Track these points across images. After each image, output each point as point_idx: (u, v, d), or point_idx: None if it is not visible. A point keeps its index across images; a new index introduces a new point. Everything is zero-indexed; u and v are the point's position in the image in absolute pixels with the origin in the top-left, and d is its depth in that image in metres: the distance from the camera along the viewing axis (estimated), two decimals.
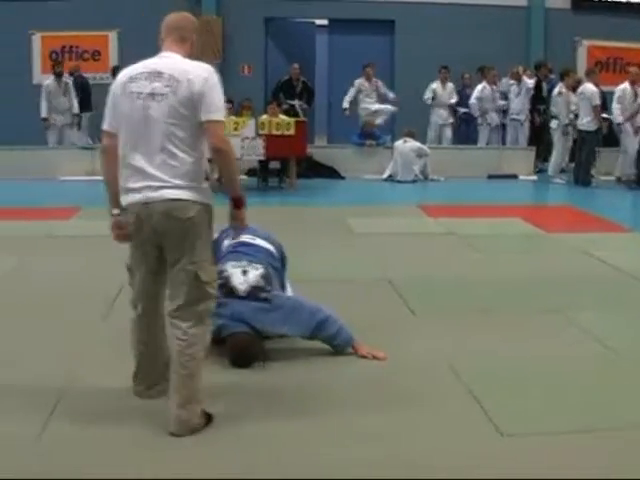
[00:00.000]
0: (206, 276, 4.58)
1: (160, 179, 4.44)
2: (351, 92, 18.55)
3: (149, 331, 4.85)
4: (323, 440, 4.48)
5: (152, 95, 4.46)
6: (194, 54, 4.73)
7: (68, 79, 18.11)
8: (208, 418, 4.64)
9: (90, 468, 4.10)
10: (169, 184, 4.45)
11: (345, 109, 18.52)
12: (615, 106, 16.41)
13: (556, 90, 16.83)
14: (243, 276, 5.80)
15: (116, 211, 4.70)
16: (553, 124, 16.94)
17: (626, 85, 16.48)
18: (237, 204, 4.69)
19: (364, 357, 5.82)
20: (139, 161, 4.47)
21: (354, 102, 18.59)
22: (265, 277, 5.87)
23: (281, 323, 5.72)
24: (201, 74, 4.48)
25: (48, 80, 17.92)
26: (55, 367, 5.43)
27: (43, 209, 12.59)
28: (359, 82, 18.57)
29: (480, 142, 18.67)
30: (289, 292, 6.45)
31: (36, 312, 6.77)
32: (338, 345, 5.84)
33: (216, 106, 4.48)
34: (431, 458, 4.27)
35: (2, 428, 4.53)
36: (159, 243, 4.57)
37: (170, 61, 4.58)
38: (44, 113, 17.63)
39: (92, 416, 4.70)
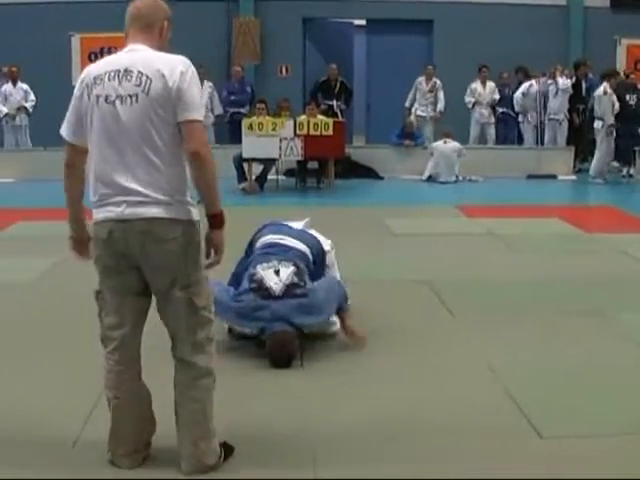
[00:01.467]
0: (200, 301, 4.04)
1: (140, 193, 3.89)
2: (412, 91, 18.64)
3: (128, 375, 4.19)
4: (358, 443, 4.50)
5: (121, 97, 3.89)
6: (165, 44, 4.11)
7: None
8: (228, 451, 4.26)
9: None
10: (149, 199, 3.89)
11: (407, 108, 18.53)
12: None
13: (600, 90, 16.52)
14: (276, 276, 5.84)
15: (73, 233, 4.39)
16: (597, 124, 16.65)
17: None
18: (215, 223, 4.04)
19: (347, 331, 6.00)
20: (115, 175, 3.92)
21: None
22: (297, 274, 5.92)
23: (318, 313, 5.81)
24: (177, 67, 3.89)
25: None
26: (94, 367, 5.46)
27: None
28: (419, 80, 18.63)
29: (526, 141, 18.64)
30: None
31: (74, 312, 6.80)
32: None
33: (195, 104, 3.91)
34: (470, 459, 4.28)
35: (47, 420, 4.68)
36: (137, 264, 4.01)
37: (138, 55, 3.98)
38: None
39: None
